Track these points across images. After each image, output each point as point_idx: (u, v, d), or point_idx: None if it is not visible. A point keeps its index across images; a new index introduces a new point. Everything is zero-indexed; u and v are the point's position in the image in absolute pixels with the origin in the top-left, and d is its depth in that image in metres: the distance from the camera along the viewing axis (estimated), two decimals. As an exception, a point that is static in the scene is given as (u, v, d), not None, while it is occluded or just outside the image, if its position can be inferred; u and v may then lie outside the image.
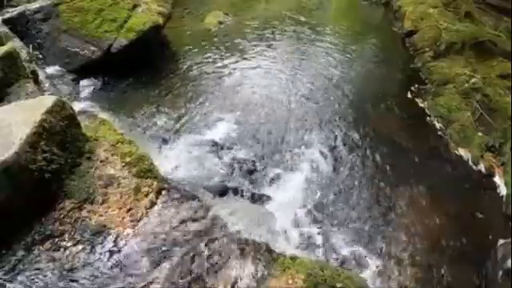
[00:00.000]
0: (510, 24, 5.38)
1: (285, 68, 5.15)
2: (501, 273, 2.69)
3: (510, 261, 2.65)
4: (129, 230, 2.30)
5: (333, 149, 3.88)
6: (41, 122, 2.34)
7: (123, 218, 2.35)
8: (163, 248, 2.25)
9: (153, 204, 2.49)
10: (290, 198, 3.32)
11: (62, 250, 2.16)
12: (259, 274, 2.20)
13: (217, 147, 3.71)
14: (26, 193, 2.23)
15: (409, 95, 4.77)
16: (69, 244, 2.19)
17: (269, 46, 5.63)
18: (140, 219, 2.37)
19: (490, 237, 3.12)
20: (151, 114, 4.10)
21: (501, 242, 2.93)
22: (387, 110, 4.52)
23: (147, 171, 2.65)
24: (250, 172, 3.50)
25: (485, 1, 5.94)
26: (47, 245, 2.17)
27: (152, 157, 2.82)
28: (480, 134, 4.12)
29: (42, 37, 4.47)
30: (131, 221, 2.35)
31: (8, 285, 1.98)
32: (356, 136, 4.06)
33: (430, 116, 4.46)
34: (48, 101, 2.50)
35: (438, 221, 3.26)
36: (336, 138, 4.02)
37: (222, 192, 3.26)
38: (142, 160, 2.68)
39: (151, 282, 2.08)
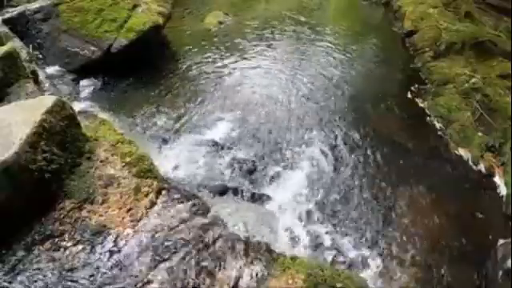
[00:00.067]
0: (510, 24, 5.38)
1: (285, 68, 5.15)
2: (501, 273, 2.69)
3: (510, 261, 2.65)
4: (129, 230, 2.30)
5: (333, 149, 3.88)
6: (41, 121, 2.34)
7: (123, 218, 2.35)
8: (163, 248, 2.25)
9: (153, 204, 2.48)
10: (290, 197, 3.32)
11: (61, 250, 2.16)
12: (259, 274, 2.20)
13: (217, 147, 3.71)
14: (26, 193, 2.22)
15: (409, 95, 4.77)
16: (69, 244, 2.19)
17: (269, 46, 5.63)
18: (140, 219, 2.37)
19: (490, 237, 3.12)
20: (151, 114, 4.10)
21: (501, 242, 2.93)
22: (387, 110, 4.52)
23: (147, 171, 2.65)
24: (250, 172, 3.50)
25: (485, 1, 5.94)
26: (47, 245, 2.17)
27: (152, 157, 2.82)
28: (480, 133, 4.12)
29: (41, 37, 4.47)
30: (131, 221, 2.35)
31: (8, 285, 1.98)
32: (356, 136, 4.06)
33: (430, 116, 4.46)
34: (48, 101, 2.50)
35: (438, 221, 3.26)
36: (336, 137, 4.02)
37: (222, 192, 3.26)
38: (142, 160, 2.68)
39: (151, 282, 2.08)
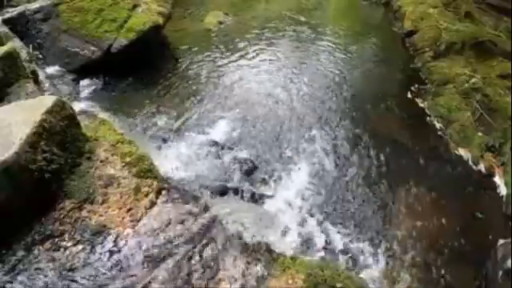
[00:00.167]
0: (510, 24, 5.38)
1: (285, 68, 5.15)
2: (501, 273, 2.69)
3: (510, 261, 2.65)
4: (129, 230, 2.30)
5: (333, 149, 3.88)
6: (41, 121, 2.34)
7: (123, 218, 2.35)
8: (163, 248, 2.25)
9: (153, 204, 2.48)
10: (290, 197, 3.32)
11: (61, 250, 2.16)
12: (259, 274, 2.20)
13: (217, 147, 3.71)
14: (26, 193, 2.22)
15: (409, 95, 4.77)
16: (69, 244, 2.19)
17: (269, 46, 5.63)
18: (140, 219, 2.37)
19: (490, 237, 3.12)
20: (151, 114, 4.10)
21: (501, 242, 2.93)
22: (387, 110, 4.52)
23: (147, 171, 2.64)
24: (250, 172, 3.50)
25: (485, 1, 5.93)
26: (47, 245, 2.17)
27: (152, 157, 2.82)
28: (480, 133, 4.12)
29: (42, 37, 4.47)
30: (131, 221, 2.35)
31: (8, 285, 1.98)
32: (356, 136, 4.06)
33: (430, 116, 4.46)
34: (48, 101, 2.50)
35: (437, 221, 3.26)
36: (336, 137, 4.03)
37: (222, 192, 3.26)
38: (142, 160, 2.68)
39: (151, 282, 2.08)
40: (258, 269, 2.23)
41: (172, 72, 4.82)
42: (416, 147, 3.99)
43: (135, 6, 4.74)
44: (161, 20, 4.85)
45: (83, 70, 4.39)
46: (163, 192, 2.58)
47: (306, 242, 2.97)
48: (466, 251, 3.05)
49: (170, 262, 2.18)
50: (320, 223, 3.14)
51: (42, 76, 3.80)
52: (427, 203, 3.42)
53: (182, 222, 2.41)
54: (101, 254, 2.18)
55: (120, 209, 2.39)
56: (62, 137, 2.47)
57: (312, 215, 3.19)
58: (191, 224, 2.41)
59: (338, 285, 2.20)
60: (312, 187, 3.45)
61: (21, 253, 2.11)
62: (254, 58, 5.32)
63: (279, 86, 4.76)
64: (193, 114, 4.17)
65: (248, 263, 2.25)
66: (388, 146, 3.94)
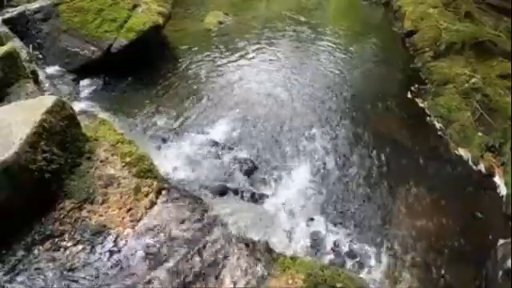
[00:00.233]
0: (510, 24, 5.38)
1: (285, 68, 5.15)
2: (501, 273, 2.69)
3: (510, 261, 2.65)
4: (129, 230, 2.30)
5: (333, 149, 3.88)
6: (41, 121, 2.34)
7: (123, 218, 2.35)
8: (163, 248, 2.25)
9: (153, 204, 2.48)
10: (290, 197, 3.32)
11: (62, 250, 2.16)
12: (259, 274, 2.20)
13: (217, 147, 3.71)
14: (26, 193, 2.22)
15: (409, 95, 4.77)
16: (69, 244, 2.19)
17: (269, 46, 5.63)
18: (140, 219, 2.37)
19: (490, 237, 3.12)
20: (151, 114, 4.10)
21: (501, 242, 2.93)
22: (387, 109, 4.52)
23: (147, 171, 2.64)
24: (250, 172, 3.50)
25: (485, 1, 5.94)
26: (47, 245, 2.17)
27: (152, 157, 2.82)
28: (480, 133, 4.12)
29: (42, 37, 4.47)
30: (131, 221, 2.35)
31: (8, 285, 1.98)
32: (356, 136, 4.06)
33: (430, 116, 4.46)
34: (48, 101, 2.50)
35: (438, 221, 3.26)
36: (336, 137, 4.03)
37: (222, 192, 3.26)
38: (142, 160, 2.68)
39: (151, 282, 2.08)
40: (258, 269, 2.23)
41: (172, 72, 4.82)
42: (416, 147, 3.99)
43: (135, 6, 4.74)
44: (161, 20, 4.85)
45: (83, 70, 4.39)
46: (163, 192, 2.58)
47: (306, 242, 2.97)
48: (466, 251, 3.05)
49: (170, 262, 2.17)
50: (320, 223, 3.14)
51: (42, 76, 3.80)
52: (427, 203, 3.42)
53: (182, 222, 2.41)
54: (101, 253, 2.18)
55: (120, 209, 2.39)
56: (61, 137, 2.47)
57: (312, 215, 3.19)
58: (191, 224, 2.41)
59: (338, 285, 2.20)
60: (312, 187, 3.45)
61: (21, 253, 2.11)
62: (253, 57, 5.32)
63: (279, 86, 4.76)
64: (193, 113, 4.17)
65: (248, 263, 2.25)
66: (388, 146, 3.94)
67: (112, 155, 2.64)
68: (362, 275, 2.74)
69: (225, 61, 5.16)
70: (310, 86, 4.80)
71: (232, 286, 2.13)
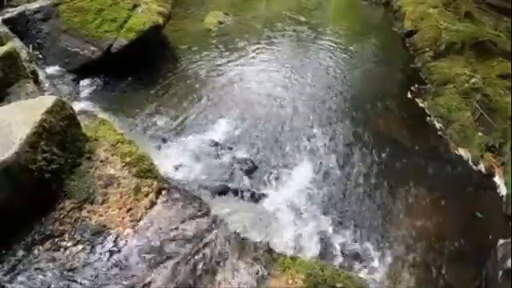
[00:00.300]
0: (510, 24, 5.38)
1: (284, 68, 5.15)
2: (501, 273, 2.69)
3: (510, 261, 2.65)
4: (129, 230, 2.30)
5: (333, 148, 3.88)
6: (41, 121, 2.34)
7: (123, 218, 2.35)
8: (163, 248, 2.25)
9: (153, 204, 2.48)
10: (290, 197, 3.32)
11: (62, 250, 2.16)
12: (259, 274, 2.20)
13: (217, 147, 3.71)
14: (26, 193, 2.22)
15: (409, 95, 4.77)
16: (69, 244, 2.19)
17: (269, 46, 5.63)
18: (140, 219, 2.37)
19: (490, 237, 3.12)
20: (151, 114, 4.10)
21: (501, 242, 2.93)
22: (387, 109, 4.52)
23: (147, 171, 2.64)
24: (250, 172, 3.50)
25: (485, 1, 5.94)
26: (47, 245, 2.17)
27: (152, 157, 2.82)
28: (480, 133, 4.12)
29: (42, 37, 4.47)
30: (131, 221, 2.35)
31: (8, 285, 1.98)
32: (356, 136, 4.06)
33: (430, 116, 4.46)
34: (48, 101, 2.50)
35: (438, 221, 3.26)
36: (336, 137, 4.02)
37: (222, 192, 3.26)
38: (142, 160, 2.68)
39: (151, 282, 2.08)
40: (258, 269, 2.23)
41: (172, 72, 4.82)
42: (416, 147, 3.99)
43: (135, 6, 4.74)
44: (161, 20, 4.85)
45: (83, 70, 4.39)
46: (163, 192, 2.58)
47: (306, 242, 2.97)
48: (466, 251, 3.04)
49: (170, 262, 2.18)
50: (320, 223, 3.13)
51: (42, 76, 3.80)
52: (427, 203, 3.42)
53: (182, 222, 2.41)
54: (101, 253, 2.18)
55: (120, 209, 2.39)
56: (62, 137, 2.47)
57: (312, 215, 3.19)
58: (191, 224, 2.41)
59: (338, 285, 2.20)
60: (312, 187, 3.45)
61: (21, 253, 2.11)
62: (254, 57, 5.32)
63: (279, 86, 4.76)
64: (193, 113, 4.17)
65: (248, 263, 2.25)
66: (388, 146, 3.94)
67: (112, 155, 2.64)
68: (361, 275, 2.74)
69: (225, 61, 5.16)
70: (309, 85, 4.80)
71: (232, 286, 2.13)
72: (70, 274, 2.07)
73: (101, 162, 2.58)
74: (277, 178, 3.49)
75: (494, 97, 4.43)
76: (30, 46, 4.21)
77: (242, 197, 3.27)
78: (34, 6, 4.54)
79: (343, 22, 6.70)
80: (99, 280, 2.07)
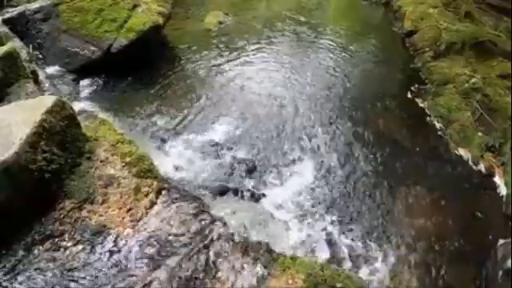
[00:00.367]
0: (510, 24, 5.38)
1: (284, 68, 5.15)
2: (501, 273, 2.69)
3: (510, 261, 2.65)
4: (129, 230, 2.30)
5: (333, 148, 3.88)
6: (41, 121, 2.34)
7: (123, 218, 2.35)
8: (163, 248, 2.25)
9: (153, 204, 2.48)
10: (290, 197, 3.32)
11: (62, 250, 2.16)
12: (259, 274, 2.20)
13: (217, 147, 3.71)
14: (26, 193, 2.22)
15: (409, 95, 4.77)
16: (69, 244, 2.19)
17: (269, 46, 5.63)
18: (140, 219, 2.37)
19: (490, 237, 3.12)
20: (151, 114, 4.10)
21: (501, 242, 2.93)
22: (387, 109, 4.52)
23: (147, 171, 2.64)
24: (250, 172, 3.50)
25: (485, 1, 5.94)
26: (47, 245, 2.17)
27: (152, 157, 2.82)
28: (480, 133, 4.11)
29: (42, 37, 4.48)
30: (131, 221, 2.35)
31: (8, 285, 1.98)
32: (356, 136, 4.06)
33: (430, 116, 4.46)
34: (48, 101, 2.50)
35: (437, 221, 3.26)
36: (336, 137, 4.02)
37: (222, 192, 3.26)
38: (142, 160, 2.68)
39: (151, 282, 2.08)
40: (258, 269, 2.23)
41: (172, 72, 4.82)
42: (416, 147, 3.99)
43: (135, 6, 4.74)
44: (161, 20, 4.85)
45: (83, 70, 4.40)
46: (163, 192, 2.58)
47: (306, 242, 2.97)
48: (466, 251, 3.04)
49: (170, 262, 2.18)
50: (320, 223, 3.14)
51: (42, 76, 3.80)
52: (427, 203, 3.41)
53: (182, 222, 2.41)
54: (101, 253, 2.18)
55: (120, 209, 2.39)
56: (62, 137, 2.47)
57: (312, 215, 3.19)
58: (191, 224, 2.41)
59: (338, 285, 2.20)
60: (312, 187, 3.45)
61: (21, 253, 2.11)
62: (254, 57, 5.32)
63: (279, 86, 4.76)
64: (193, 113, 4.17)
65: (248, 263, 2.25)
66: (388, 146, 3.94)
67: (112, 155, 2.64)
68: (361, 275, 2.74)
69: (225, 60, 5.16)
70: (309, 85, 4.80)
71: (232, 286, 2.13)
72: (70, 274, 2.07)
73: (101, 162, 2.59)
74: (277, 178, 3.49)
75: (494, 97, 4.43)
76: (30, 46, 4.21)
77: (242, 197, 3.27)
78: (34, 5, 4.55)
79: (343, 21, 6.70)
80: (99, 280, 2.07)
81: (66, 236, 2.22)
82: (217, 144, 3.74)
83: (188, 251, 2.25)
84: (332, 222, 3.15)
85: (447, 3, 6.11)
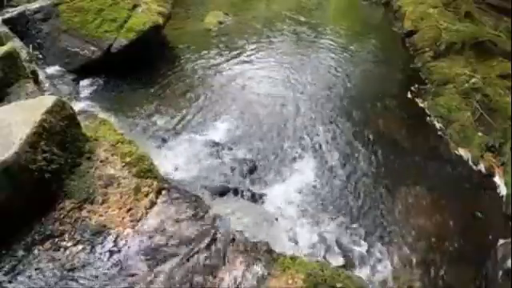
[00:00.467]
0: (510, 24, 5.38)
1: (284, 68, 5.15)
2: (501, 273, 2.69)
3: (510, 261, 2.65)
4: (129, 230, 2.30)
5: (333, 148, 3.88)
6: (41, 122, 2.34)
7: (123, 218, 2.35)
8: (163, 248, 2.25)
9: (153, 204, 2.48)
10: (290, 197, 3.32)
11: (62, 249, 2.16)
12: (259, 274, 2.20)
13: (217, 147, 3.71)
14: (26, 193, 2.22)
15: (409, 95, 4.77)
16: (69, 244, 2.19)
17: (269, 46, 5.63)
18: (140, 219, 2.37)
19: (490, 237, 3.12)
20: (151, 114, 4.10)
21: (501, 242, 2.93)
22: (387, 109, 4.52)
23: (147, 171, 2.64)
24: (250, 172, 3.50)
25: (485, 1, 5.94)
26: (47, 245, 2.17)
27: (152, 157, 2.82)
28: (480, 133, 4.12)
29: (42, 37, 4.48)
30: (131, 221, 2.35)
31: (8, 285, 1.98)
32: (356, 136, 4.06)
33: (430, 116, 4.46)
34: (48, 101, 2.50)
35: (438, 221, 3.26)
36: (336, 137, 4.03)
37: (222, 192, 3.26)
38: (142, 160, 2.68)
39: (151, 282, 2.08)
40: (258, 269, 2.23)
41: (172, 72, 4.82)
42: (416, 147, 3.99)
43: (135, 6, 4.74)
44: (161, 20, 4.86)
45: (83, 70, 4.40)
46: (163, 192, 2.58)
47: (306, 242, 2.97)
48: (466, 251, 3.04)
49: (170, 262, 2.18)
50: (320, 223, 3.14)
51: (42, 76, 3.80)
52: (427, 203, 3.41)
53: (182, 222, 2.41)
54: (101, 253, 2.18)
55: (120, 209, 2.39)
56: (62, 137, 2.47)
57: (312, 215, 3.19)
58: (191, 224, 2.41)
59: (338, 285, 2.20)
60: (312, 187, 3.45)
61: (21, 253, 2.11)
62: (254, 57, 5.32)
63: (279, 86, 4.76)
64: (193, 113, 4.17)
65: (248, 263, 2.25)
66: (388, 146, 3.94)
67: (112, 155, 2.64)
68: (361, 275, 2.74)
69: (225, 60, 5.16)
70: (309, 85, 4.81)
71: (232, 286, 2.13)
72: (70, 274, 2.07)
73: (101, 162, 2.58)
74: (277, 178, 3.49)
75: (494, 97, 4.43)
76: (30, 45, 4.21)
77: (242, 197, 3.27)
78: (34, 5, 4.55)
79: (343, 21, 6.70)
80: (99, 280, 2.06)
81: (66, 236, 2.22)
82: (217, 144, 3.74)
83: (188, 251, 2.25)
84: (332, 222, 3.15)
85: (447, 3, 6.11)
